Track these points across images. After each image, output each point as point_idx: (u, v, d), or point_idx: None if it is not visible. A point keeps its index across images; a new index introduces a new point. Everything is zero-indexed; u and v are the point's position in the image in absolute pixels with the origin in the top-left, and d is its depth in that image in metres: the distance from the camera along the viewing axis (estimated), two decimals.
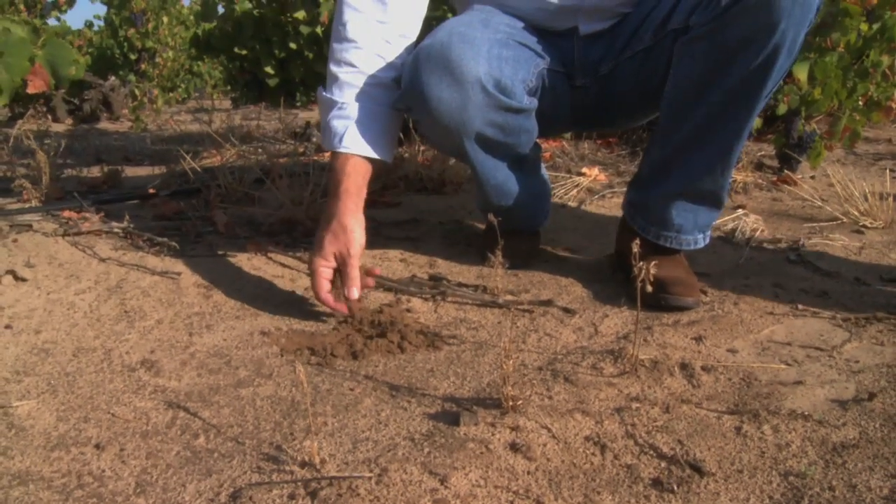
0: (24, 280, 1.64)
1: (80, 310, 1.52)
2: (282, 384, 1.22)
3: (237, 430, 1.08)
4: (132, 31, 6.98)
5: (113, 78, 6.87)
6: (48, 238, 1.91)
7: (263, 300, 1.59)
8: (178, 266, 1.75)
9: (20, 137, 2.65)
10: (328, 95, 1.56)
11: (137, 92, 6.06)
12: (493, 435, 1.06)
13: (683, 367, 1.29)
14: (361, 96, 1.54)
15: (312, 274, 1.48)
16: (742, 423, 1.10)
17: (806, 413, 1.12)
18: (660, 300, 1.51)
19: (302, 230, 2.03)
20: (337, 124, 1.53)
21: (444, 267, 1.82)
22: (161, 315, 1.50)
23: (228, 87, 6.78)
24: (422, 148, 2.67)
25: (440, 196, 2.58)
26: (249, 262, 1.81)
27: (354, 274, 1.47)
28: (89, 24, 7.61)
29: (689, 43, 1.49)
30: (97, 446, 1.04)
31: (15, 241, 1.89)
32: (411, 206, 2.39)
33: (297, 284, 1.68)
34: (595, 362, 1.30)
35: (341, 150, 1.52)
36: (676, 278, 1.56)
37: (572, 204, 2.55)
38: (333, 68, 1.56)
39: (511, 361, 1.09)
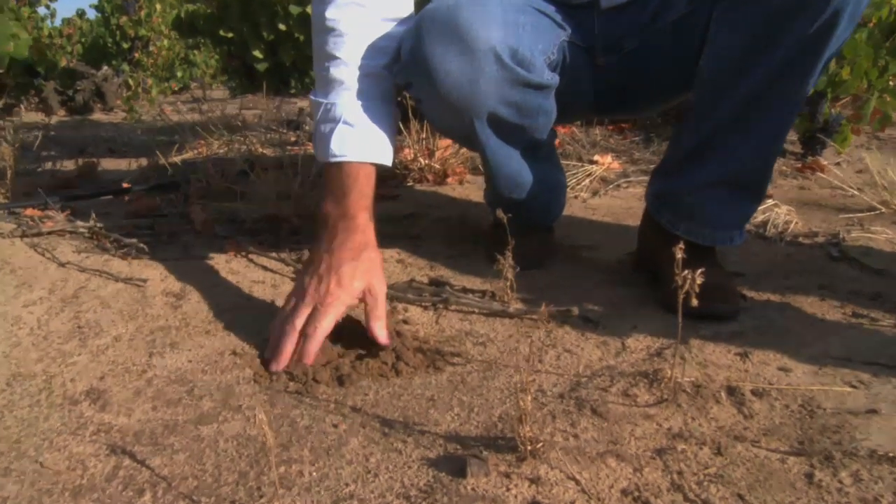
0: None
1: (27, 326, 1.31)
2: (252, 420, 1.02)
3: (192, 484, 0.88)
4: (124, 18, 6.78)
5: (106, 67, 6.66)
6: (3, 240, 1.71)
7: (240, 311, 1.38)
8: (147, 271, 1.55)
9: None
10: (314, 98, 1.34)
11: (131, 82, 5.87)
12: (507, 490, 0.85)
13: (731, 391, 1.08)
14: (348, 93, 1.30)
15: (323, 314, 1.19)
16: (813, 468, 0.89)
17: (891, 454, 0.91)
18: (696, 308, 1.30)
19: (288, 228, 1.82)
20: (325, 129, 1.30)
21: (446, 269, 1.61)
22: (120, 331, 1.30)
23: (226, 77, 6.59)
24: (422, 135, 2.46)
25: (442, 188, 2.37)
26: (227, 266, 1.61)
27: (384, 311, 1.23)
28: (81, 13, 7.38)
29: (731, 9, 1.28)
30: None
31: None
32: (410, 199, 2.18)
33: (279, 291, 1.48)
34: (626, 387, 1.10)
35: (332, 160, 1.27)
36: (714, 282, 1.34)
37: (585, 195, 2.35)
38: (316, 66, 1.34)
39: (529, 397, 0.88)
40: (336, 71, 1.29)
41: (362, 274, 1.22)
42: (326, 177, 1.29)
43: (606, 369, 1.16)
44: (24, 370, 1.16)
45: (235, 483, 0.88)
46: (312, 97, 1.35)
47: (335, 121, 1.28)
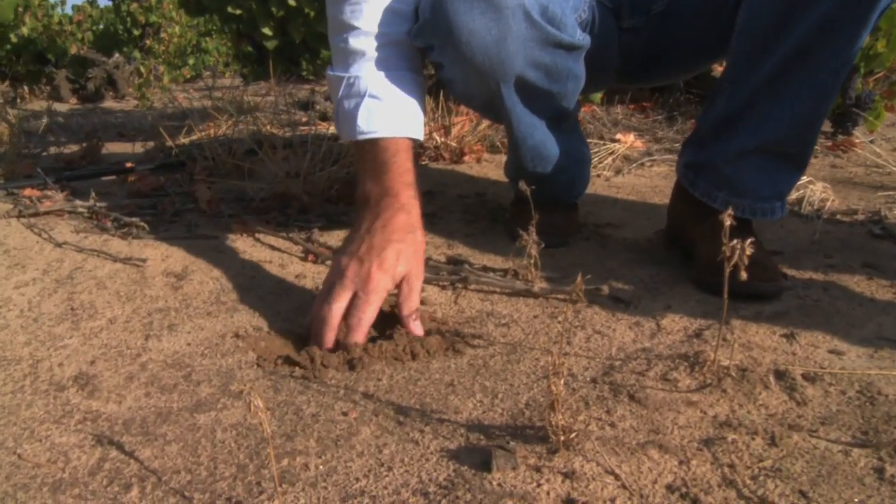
0: None
1: (17, 307, 1.23)
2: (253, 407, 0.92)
3: (185, 479, 0.79)
4: (135, 5, 6.69)
5: (117, 55, 6.59)
6: None
7: (244, 292, 1.29)
8: (147, 251, 1.46)
9: None
10: (333, 72, 1.24)
11: (143, 69, 5.80)
12: (538, 486, 0.75)
13: (780, 376, 0.98)
14: (371, 64, 1.21)
15: (367, 301, 1.08)
16: (882, 461, 0.79)
17: None
18: (735, 286, 1.20)
19: (297, 206, 1.73)
20: (349, 105, 1.20)
21: (465, 247, 1.52)
22: (115, 312, 1.21)
23: (238, 65, 6.50)
24: (437, 112, 2.36)
25: (459, 167, 2.27)
26: (233, 245, 1.51)
27: (418, 301, 1.13)
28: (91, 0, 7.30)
29: None
30: None
31: None
32: (426, 177, 2.08)
33: (287, 271, 1.39)
34: (665, 371, 1.00)
35: (360, 137, 1.18)
36: (754, 259, 1.24)
37: (608, 173, 2.24)
38: (333, 38, 1.24)
39: (561, 381, 0.79)
40: (356, 41, 1.20)
41: (406, 259, 1.12)
42: (360, 155, 1.21)
43: (642, 352, 1.06)
44: (9, 354, 1.07)
45: (233, 477, 0.78)
46: (331, 72, 1.25)
47: (360, 95, 1.19)
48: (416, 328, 1.10)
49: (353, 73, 1.20)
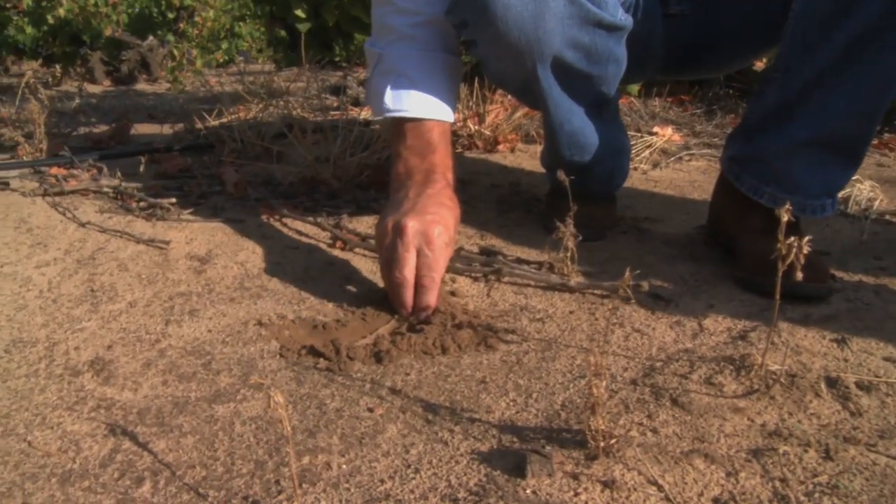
0: None
1: (36, 287, 1.19)
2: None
3: (199, 474, 0.74)
4: None
5: (151, 38, 6.59)
6: (24, 198, 1.61)
7: (269, 278, 1.25)
8: (171, 233, 1.42)
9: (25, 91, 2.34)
10: (369, 46, 1.24)
11: (176, 53, 5.79)
12: (576, 495, 0.70)
13: (831, 383, 0.92)
14: (405, 42, 1.19)
15: (399, 264, 1.08)
16: None
17: None
18: (784, 287, 1.14)
19: (325, 191, 1.68)
20: (379, 81, 1.20)
21: (497, 238, 1.46)
22: (136, 295, 1.17)
23: (271, 51, 6.48)
24: (470, 100, 2.30)
25: (492, 156, 2.21)
26: (259, 229, 1.47)
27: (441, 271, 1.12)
28: None
29: None
30: None
31: None
32: (459, 166, 2.00)
33: (314, 258, 1.34)
34: (709, 375, 0.94)
35: (386, 115, 1.19)
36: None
37: (645, 166, 2.17)
38: (375, 11, 1.24)
39: (603, 384, 0.73)
40: (393, 18, 1.20)
41: (454, 227, 1.14)
42: (395, 131, 1.21)
43: (684, 353, 1.01)
44: (25, 335, 1.03)
45: (250, 475, 0.74)
46: (368, 46, 1.25)
47: (390, 72, 1.19)
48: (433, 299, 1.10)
49: (387, 49, 1.20)
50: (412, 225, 1.08)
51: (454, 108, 1.23)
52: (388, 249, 1.10)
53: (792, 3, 1.19)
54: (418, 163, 1.17)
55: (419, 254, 1.08)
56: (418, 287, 1.08)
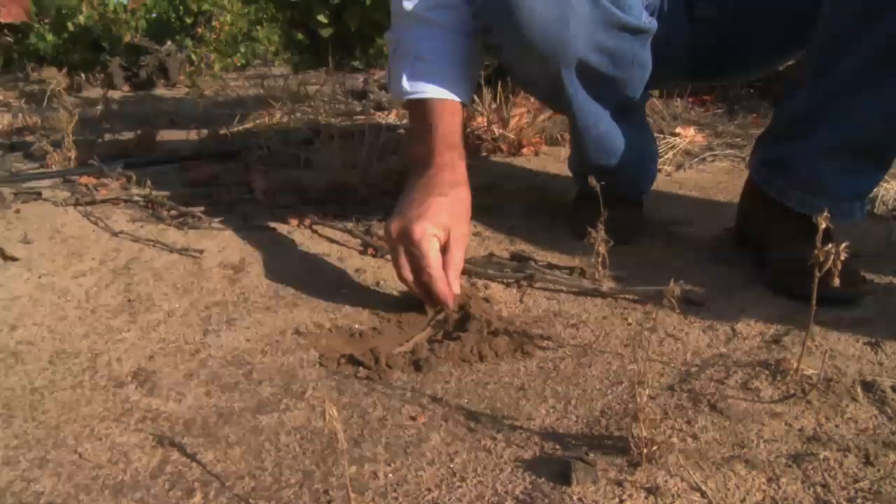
0: (14, 259, 1.34)
1: (75, 298, 1.21)
2: (318, 409, 0.88)
3: (249, 485, 0.75)
4: None
5: (169, 43, 6.63)
6: (57, 208, 1.62)
7: (303, 286, 1.26)
8: (203, 241, 1.44)
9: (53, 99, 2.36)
10: (387, 34, 1.25)
11: (194, 57, 5.83)
12: (621, 502, 0.70)
13: (867, 387, 0.92)
14: (422, 25, 1.20)
15: (420, 251, 1.08)
16: None
17: None
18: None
19: (355, 198, 1.69)
20: (398, 65, 1.21)
21: (527, 244, 1.46)
22: (172, 305, 1.18)
23: (288, 54, 6.50)
24: (495, 104, 2.30)
25: (517, 159, 2.21)
26: (290, 237, 1.48)
27: (462, 260, 1.13)
28: None
29: None
30: None
31: (17, 211, 1.61)
32: (484, 170, 2.03)
33: (346, 265, 1.35)
34: (745, 380, 0.94)
35: (406, 97, 1.20)
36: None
37: (669, 168, 2.17)
38: (392, 2, 1.25)
39: (646, 392, 0.74)
40: (409, 3, 1.20)
41: (448, 211, 1.11)
42: (410, 117, 1.23)
43: (719, 357, 1.01)
44: (68, 347, 1.05)
45: (299, 485, 0.75)
46: (387, 34, 1.27)
47: (408, 55, 1.20)
48: (455, 286, 1.10)
49: (404, 34, 1.22)
50: (397, 226, 1.10)
51: (471, 88, 1.25)
52: (392, 257, 1.14)
53: (820, 7, 1.19)
54: (418, 148, 1.18)
55: (409, 254, 1.10)
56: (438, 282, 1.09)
